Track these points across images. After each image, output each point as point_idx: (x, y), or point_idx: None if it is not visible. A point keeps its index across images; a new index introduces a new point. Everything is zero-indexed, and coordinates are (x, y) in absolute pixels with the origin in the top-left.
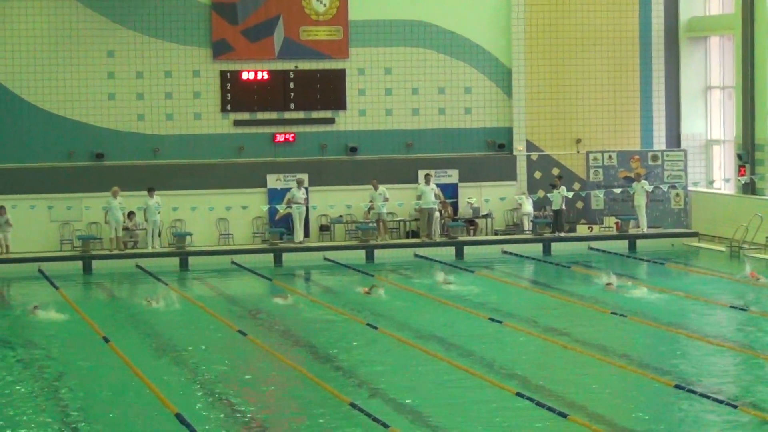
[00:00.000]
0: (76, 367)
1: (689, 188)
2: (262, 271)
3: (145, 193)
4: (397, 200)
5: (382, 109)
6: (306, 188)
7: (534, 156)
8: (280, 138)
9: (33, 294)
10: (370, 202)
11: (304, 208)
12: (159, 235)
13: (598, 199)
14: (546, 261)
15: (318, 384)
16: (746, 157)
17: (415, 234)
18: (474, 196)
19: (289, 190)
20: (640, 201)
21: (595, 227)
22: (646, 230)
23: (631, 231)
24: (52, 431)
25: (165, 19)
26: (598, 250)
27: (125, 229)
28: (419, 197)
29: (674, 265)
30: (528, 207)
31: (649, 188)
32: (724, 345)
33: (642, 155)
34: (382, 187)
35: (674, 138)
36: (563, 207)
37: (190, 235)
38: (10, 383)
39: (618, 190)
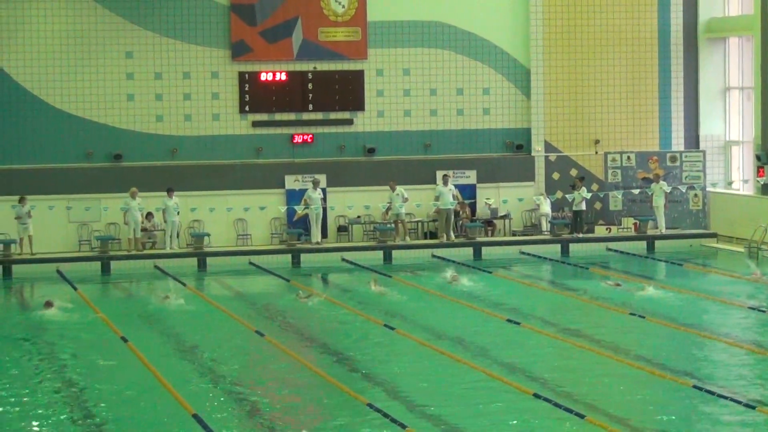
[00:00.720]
0: (94, 367)
1: (708, 189)
2: (280, 272)
3: (164, 193)
4: (415, 201)
5: (401, 110)
6: (323, 189)
7: (552, 157)
8: (298, 139)
9: (52, 295)
10: (388, 203)
11: (321, 209)
12: (177, 236)
13: (616, 200)
14: (564, 262)
15: (335, 384)
16: (765, 158)
17: (432, 235)
18: (492, 196)
19: (307, 191)
20: (659, 202)
21: (614, 228)
22: (664, 231)
23: (650, 232)
24: (66, 430)
25: (183, 20)
26: (616, 251)
27: (144, 229)
28: (437, 198)
29: (692, 265)
30: (546, 208)
31: (668, 189)
32: (742, 346)
33: (660, 156)
34: (399, 188)
35: (693, 139)
36: (584, 208)
37: (208, 235)
38: (28, 381)
39: (636, 191)
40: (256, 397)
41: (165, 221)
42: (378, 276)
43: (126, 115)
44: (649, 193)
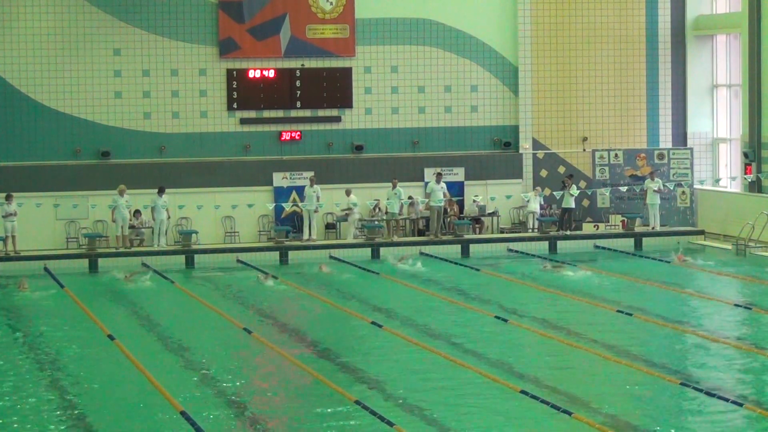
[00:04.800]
0: (81, 364)
1: (695, 186)
2: (268, 269)
3: (152, 190)
4: (403, 198)
5: (389, 107)
6: (318, 187)
7: (540, 154)
8: (286, 136)
9: (39, 292)
10: (377, 200)
11: (315, 207)
12: (165, 234)
13: (604, 197)
14: (552, 259)
15: (323, 382)
16: (752, 155)
17: (421, 232)
18: (480, 194)
19: (294, 188)
20: (654, 199)
21: (601, 225)
22: (659, 228)
23: (638, 229)
24: (57, 428)
25: (171, 17)
26: (604, 248)
27: (131, 227)
28: (428, 195)
29: (679, 262)
30: (534, 205)
31: (662, 186)
32: (729, 343)
33: (648, 153)
34: (399, 187)
35: (681, 136)
36: (572, 205)
37: (196, 233)
38: (16, 380)
39: (624, 189)
40: (243, 394)
41: (154, 219)
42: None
43: (114, 113)
44: (644, 188)
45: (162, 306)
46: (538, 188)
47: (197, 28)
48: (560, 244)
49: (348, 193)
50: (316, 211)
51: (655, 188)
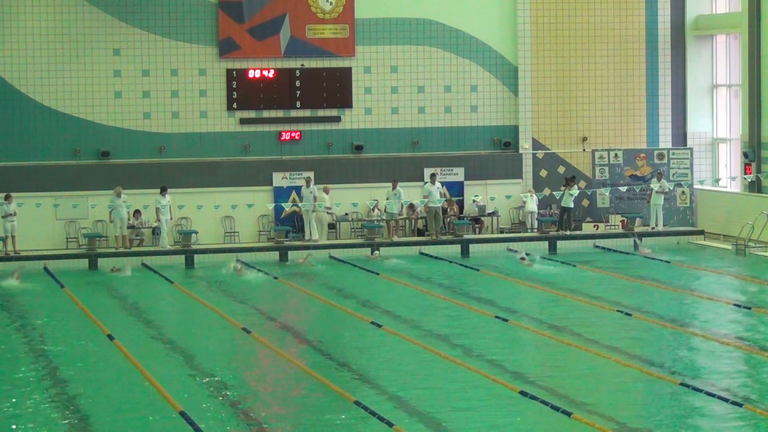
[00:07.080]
0: (81, 364)
1: (695, 186)
2: (267, 269)
3: (151, 190)
4: (403, 198)
5: (388, 107)
6: (318, 188)
7: (540, 154)
8: (286, 136)
9: (38, 291)
10: (375, 200)
11: (313, 207)
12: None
13: (603, 197)
14: (551, 259)
15: (322, 382)
16: (752, 155)
17: (420, 232)
18: (480, 194)
19: (294, 188)
20: (657, 200)
21: (601, 225)
22: (661, 228)
23: (638, 229)
24: (56, 428)
25: (171, 17)
26: (603, 248)
27: (131, 227)
28: (426, 197)
29: (679, 262)
30: (532, 205)
31: (665, 188)
32: (729, 343)
33: (648, 153)
34: (399, 187)
35: (680, 136)
36: (571, 205)
37: (196, 233)
38: (16, 380)
39: (624, 188)
40: (242, 394)
41: (159, 219)
42: (310, 253)
43: (113, 113)
44: (652, 188)
45: (162, 306)
46: (531, 189)
47: (197, 28)
48: (560, 244)
49: (325, 191)
50: (314, 211)
51: (657, 189)
